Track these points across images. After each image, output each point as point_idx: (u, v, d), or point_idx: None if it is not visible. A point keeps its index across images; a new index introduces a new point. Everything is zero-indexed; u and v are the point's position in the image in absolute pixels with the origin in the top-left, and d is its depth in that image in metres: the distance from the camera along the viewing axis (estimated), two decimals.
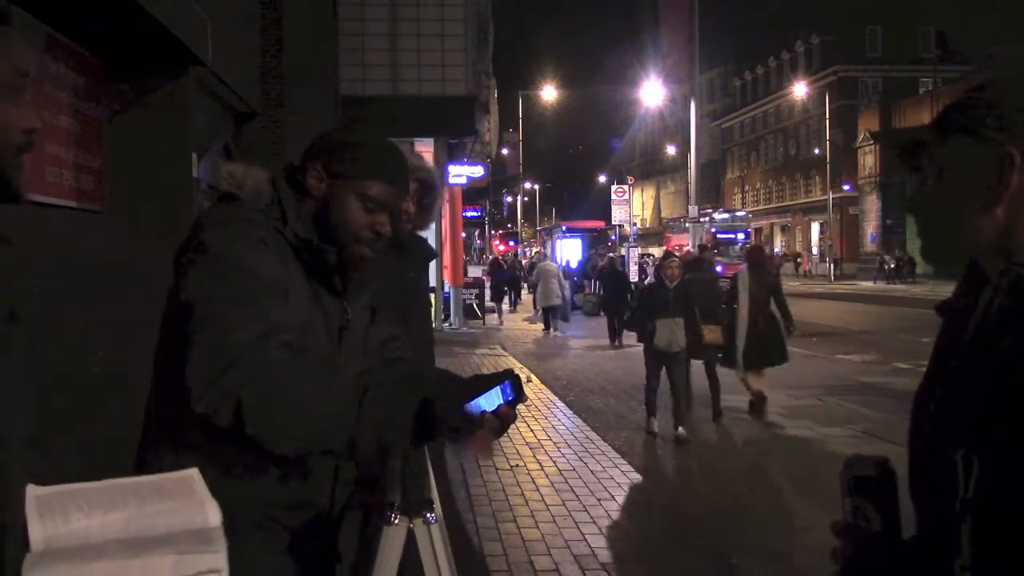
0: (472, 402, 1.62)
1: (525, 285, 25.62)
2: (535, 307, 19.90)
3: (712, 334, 8.17)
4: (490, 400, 1.63)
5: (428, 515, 1.62)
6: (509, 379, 1.64)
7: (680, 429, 7.73)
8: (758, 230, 62.90)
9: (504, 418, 1.63)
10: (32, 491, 1.06)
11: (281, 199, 1.67)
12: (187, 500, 1.11)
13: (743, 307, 8.35)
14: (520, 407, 1.68)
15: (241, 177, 1.67)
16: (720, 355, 8.48)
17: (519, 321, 21.64)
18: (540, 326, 18.99)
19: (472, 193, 29.61)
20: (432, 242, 17.62)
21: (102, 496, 1.08)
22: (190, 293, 1.51)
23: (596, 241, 30.65)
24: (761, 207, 62.84)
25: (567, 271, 23.85)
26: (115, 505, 1.07)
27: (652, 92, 33.80)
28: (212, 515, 1.09)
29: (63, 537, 1.04)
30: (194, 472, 1.14)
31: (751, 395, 8.57)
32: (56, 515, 1.05)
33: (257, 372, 1.43)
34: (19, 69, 1.17)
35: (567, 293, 21.60)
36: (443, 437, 1.51)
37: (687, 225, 19.91)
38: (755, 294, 8.38)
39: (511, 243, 54.52)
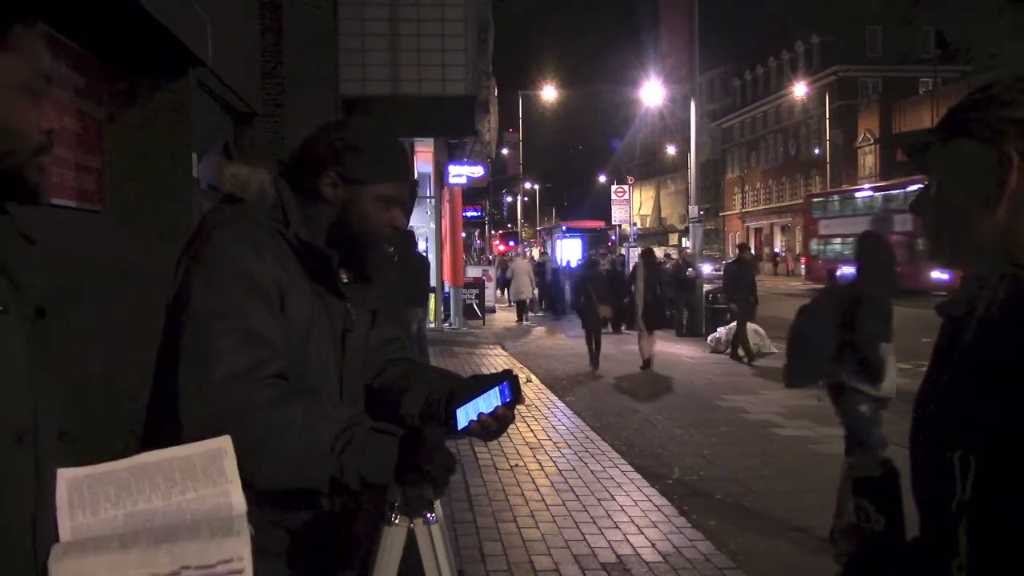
0: (470, 403, 1.62)
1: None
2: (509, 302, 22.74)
3: (605, 311, 13.01)
4: (488, 401, 1.63)
5: (428, 515, 1.62)
6: (508, 380, 1.64)
7: None
8: (758, 230, 62.96)
9: (502, 420, 1.63)
10: (63, 475, 1.10)
11: (283, 201, 1.66)
12: (214, 484, 1.13)
13: (639, 289, 12.33)
14: (520, 407, 1.68)
15: (246, 179, 1.67)
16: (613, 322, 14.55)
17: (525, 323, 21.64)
18: (544, 328, 19.27)
19: (472, 193, 29.63)
20: (432, 242, 17.72)
21: (131, 482, 1.11)
22: (186, 304, 1.53)
23: (596, 241, 30.67)
24: (761, 207, 62.83)
25: (567, 271, 23.95)
26: (142, 493, 1.10)
27: (652, 92, 33.66)
28: (237, 502, 1.13)
29: (90, 528, 1.07)
30: (225, 444, 1.16)
31: (644, 357, 12.09)
32: (85, 504, 1.08)
33: (239, 413, 1.46)
34: (44, 72, 1.19)
35: (566, 295, 22.05)
36: (422, 481, 1.52)
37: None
38: (647, 279, 12.32)
39: (511, 243, 54.51)
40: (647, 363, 11.93)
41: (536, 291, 22.86)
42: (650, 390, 10.61)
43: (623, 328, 16.36)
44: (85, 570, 1.01)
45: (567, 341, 16.67)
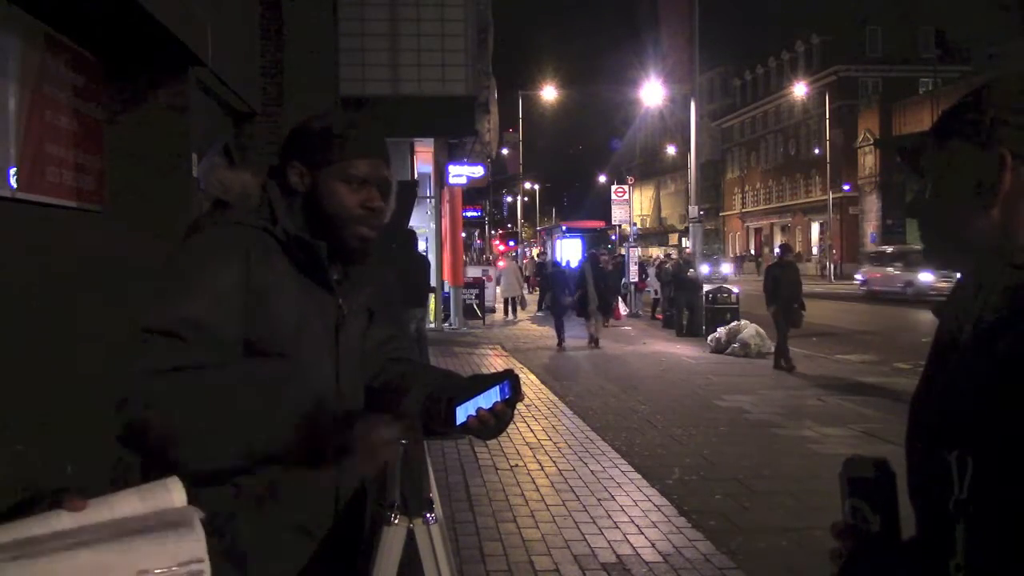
0: (469, 401, 1.63)
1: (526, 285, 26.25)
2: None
3: (570, 300, 15.86)
4: (488, 399, 1.63)
5: (428, 515, 1.62)
6: (508, 379, 1.65)
7: None
8: (758, 230, 62.94)
9: (500, 416, 1.64)
10: None
11: (270, 199, 1.68)
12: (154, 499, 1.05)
13: (590, 285, 15.46)
14: (520, 407, 1.68)
15: (229, 182, 1.69)
16: (575, 311, 16.05)
17: (522, 320, 21.65)
18: (546, 328, 19.35)
19: (472, 193, 29.62)
20: (432, 242, 17.71)
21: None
22: (144, 299, 1.58)
23: (596, 241, 30.70)
24: (761, 207, 62.81)
25: (567, 271, 24.11)
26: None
27: (652, 92, 33.62)
28: (178, 497, 1.07)
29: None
30: (193, 515, 1.06)
31: (591, 336, 15.50)
32: None
33: (152, 401, 1.46)
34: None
35: (574, 291, 22.55)
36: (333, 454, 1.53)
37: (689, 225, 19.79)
38: (596, 278, 15.69)
39: (511, 243, 54.53)
40: (596, 342, 15.51)
41: (529, 290, 23.33)
42: (609, 365, 11.85)
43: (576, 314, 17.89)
44: None
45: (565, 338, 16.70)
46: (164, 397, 1.47)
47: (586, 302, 15.50)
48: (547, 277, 25.55)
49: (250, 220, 1.64)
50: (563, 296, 15.98)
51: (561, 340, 15.36)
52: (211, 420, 1.48)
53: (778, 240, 59.18)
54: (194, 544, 1.00)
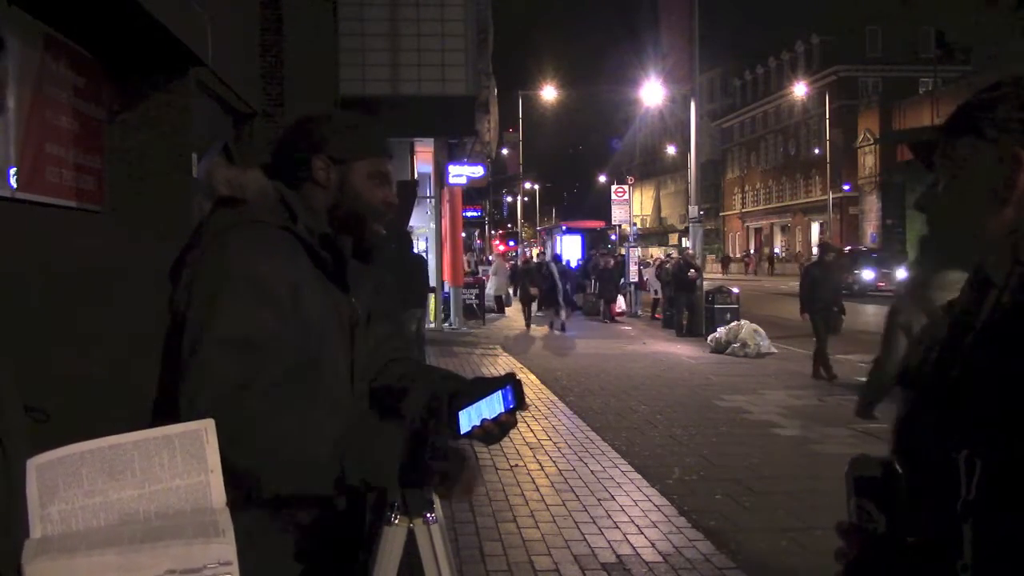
0: (472, 406, 1.62)
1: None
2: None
3: (535, 291, 19.04)
4: (491, 406, 1.62)
5: (428, 515, 1.61)
6: (511, 384, 1.63)
7: None
8: (758, 230, 62.94)
9: (504, 426, 1.63)
10: (32, 464, 1.04)
11: (285, 197, 1.66)
12: (194, 474, 1.10)
13: (557, 281, 18.92)
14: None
15: (241, 180, 1.66)
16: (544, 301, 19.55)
17: (520, 320, 21.63)
18: (543, 327, 19.45)
19: (472, 193, 29.58)
20: (432, 242, 17.71)
21: (107, 466, 1.07)
22: (189, 315, 1.52)
23: (596, 241, 30.69)
24: (761, 207, 62.84)
25: (567, 270, 24.11)
26: (115, 480, 1.06)
27: (652, 92, 33.64)
28: (216, 495, 1.11)
29: (63, 518, 1.03)
30: (207, 426, 1.13)
31: (563, 324, 18.59)
32: (57, 491, 1.03)
33: (235, 429, 1.40)
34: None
35: (567, 288, 22.79)
36: (431, 483, 1.54)
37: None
38: (561, 276, 19.15)
39: (511, 243, 54.53)
40: (560, 327, 18.64)
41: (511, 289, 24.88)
42: (609, 365, 11.95)
43: (541, 309, 20.63)
44: (61, 573, 0.96)
45: (561, 338, 16.69)
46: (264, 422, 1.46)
47: (553, 296, 19.12)
48: (520, 273, 25.97)
49: (272, 219, 1.61)
50: (531, 288, 19.15)
51: (529, 325, 18.97)
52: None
53: (778, 240, 59.32)
54: (223, 547, 1.01)
